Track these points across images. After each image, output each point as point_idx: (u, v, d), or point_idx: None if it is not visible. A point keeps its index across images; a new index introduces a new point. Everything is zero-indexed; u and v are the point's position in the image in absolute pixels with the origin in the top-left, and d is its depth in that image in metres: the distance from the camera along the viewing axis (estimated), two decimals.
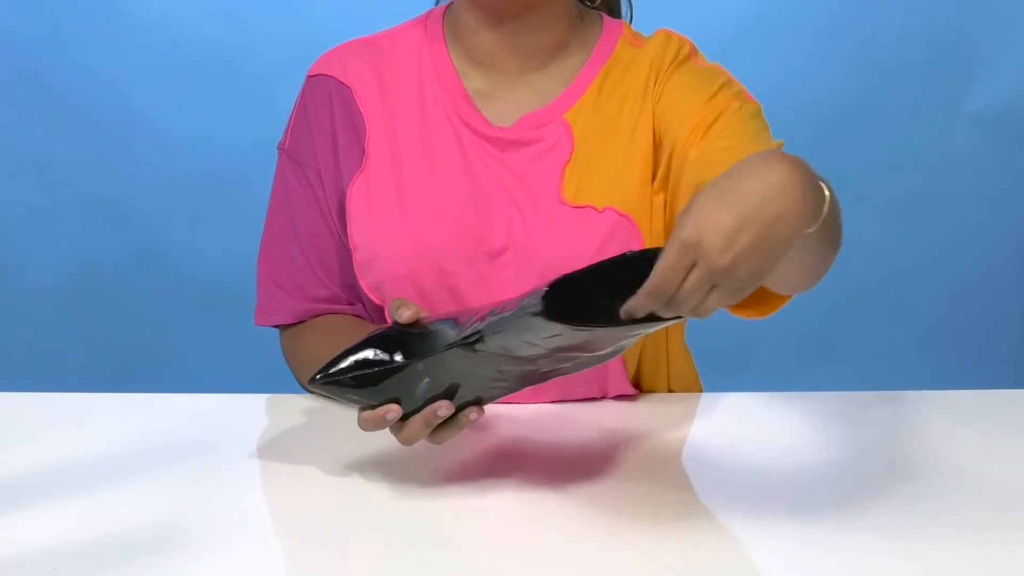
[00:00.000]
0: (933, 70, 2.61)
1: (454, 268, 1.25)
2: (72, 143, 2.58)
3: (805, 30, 2.58)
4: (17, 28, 2.54)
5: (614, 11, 1.39)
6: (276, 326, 1.37)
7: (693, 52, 1.31)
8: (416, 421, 1.03)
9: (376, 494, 1.05)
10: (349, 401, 1.06)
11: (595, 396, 1.30)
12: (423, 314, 1.06)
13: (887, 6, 2.58)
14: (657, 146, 1.26)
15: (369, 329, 1.19)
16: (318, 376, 1.05)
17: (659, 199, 1.27)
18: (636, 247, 1.24)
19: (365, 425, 1.04)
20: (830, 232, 0.98)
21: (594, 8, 1.36)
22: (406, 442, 1.04)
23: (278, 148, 1.36)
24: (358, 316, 1.35)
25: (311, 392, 1.31)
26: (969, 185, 2.67)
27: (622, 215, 1.24)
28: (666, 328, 1.31)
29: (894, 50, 2.59)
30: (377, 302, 1.29)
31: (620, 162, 1.27)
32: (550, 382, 1.27)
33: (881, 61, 2.61)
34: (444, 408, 1.02)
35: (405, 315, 1.05)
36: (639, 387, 1.34)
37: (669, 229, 1.25)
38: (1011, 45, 2.60)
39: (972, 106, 2.62)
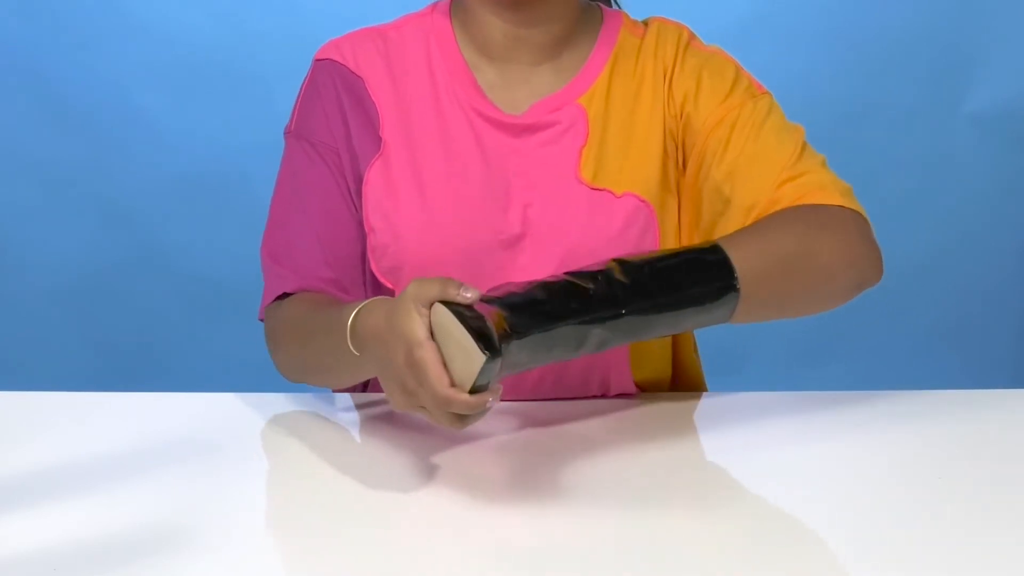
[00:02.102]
0: (933, 70, 2.61)
1: (476, 255, 1.24)
2: (72, 143, 2.58)
3: (805, 30, 2.58)
4: (17, 28, 2.54)
5: (609, 2, 1.40)
6: (279, 298, 1.28)
7: (692, 36, 1.33)
8: (476, 415, 0.98)
9: (376, 494, 1.05)
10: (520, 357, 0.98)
11: (596, 393, 1.30)
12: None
13: (887, 6, 2.58)
14: (670, 135, 1.28)
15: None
16: (512, 337, 0.96)
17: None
18: (653, 234, 1.25)
19: (468, 409, 0.96)
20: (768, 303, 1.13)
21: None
22: (460, 428, 0.99)
23: (285, 133, 1.34)
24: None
25: (289, 377, 1.29)
26: (969, 185, 2.67)
27: (642, 201, 1.25)
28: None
29: (894, 50, 2.59)
30: (389, 286, 1.27)
31: (640, 150, 1.27)
32: (552, 375, 1.27)
33: (881, 61, 2.61)
34: (495, 396, 0.97)
35: (470, 295, 0.99)
36: (642, 383, 1.34)
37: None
38: (1011, 45, 2.60)
39: (972, 106, 2.62)
